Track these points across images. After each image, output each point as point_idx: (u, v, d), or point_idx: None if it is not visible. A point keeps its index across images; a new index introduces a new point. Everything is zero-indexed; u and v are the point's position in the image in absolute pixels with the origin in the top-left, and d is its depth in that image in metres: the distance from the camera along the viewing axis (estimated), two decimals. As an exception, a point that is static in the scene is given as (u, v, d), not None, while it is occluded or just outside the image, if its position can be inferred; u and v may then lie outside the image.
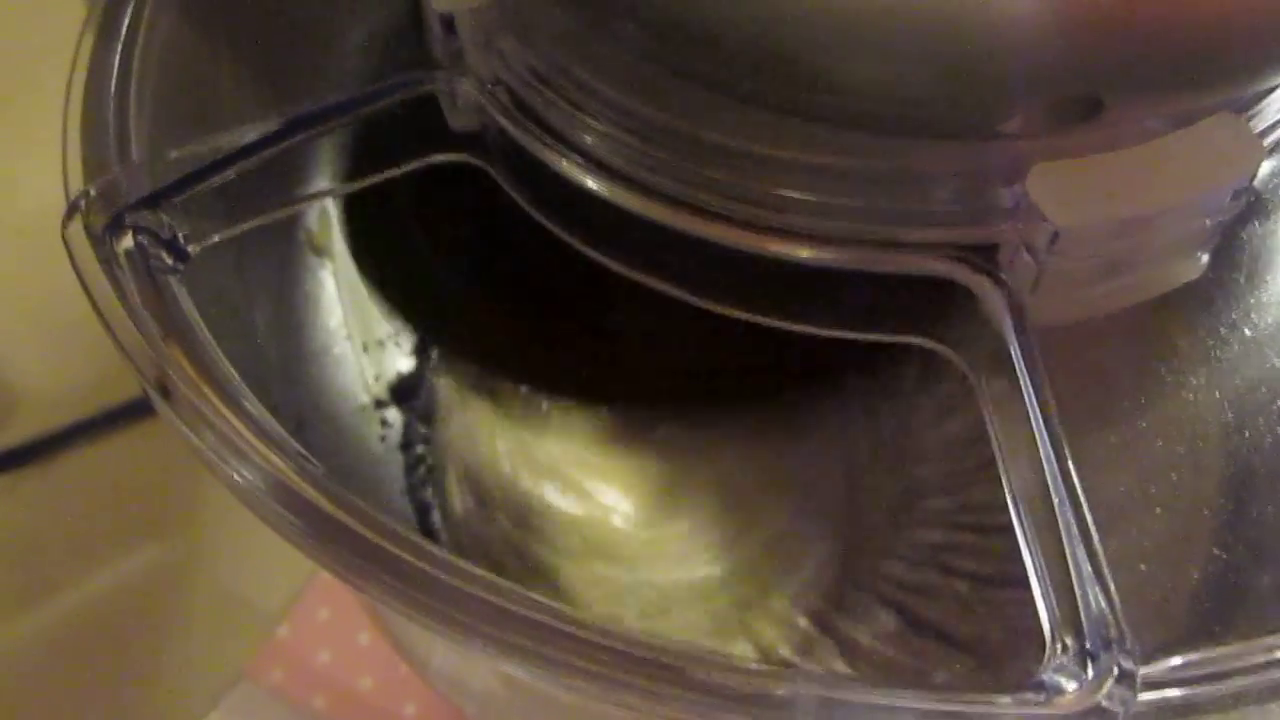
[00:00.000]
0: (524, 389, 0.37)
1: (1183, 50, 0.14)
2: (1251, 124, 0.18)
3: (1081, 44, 0.14)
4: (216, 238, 0.22)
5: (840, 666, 0.29)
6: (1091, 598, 0.14)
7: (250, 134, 0.21)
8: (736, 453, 0.35)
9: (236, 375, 0.19)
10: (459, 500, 0.35)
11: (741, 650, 0.32)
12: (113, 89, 0.23)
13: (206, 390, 0.18)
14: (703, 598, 0.33)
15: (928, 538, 0.31)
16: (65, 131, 0.22)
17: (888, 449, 0.32)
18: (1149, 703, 0.14)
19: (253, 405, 0.19)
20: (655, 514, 0.35)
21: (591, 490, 0.36)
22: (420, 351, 0.37)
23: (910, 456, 0.31)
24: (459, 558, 0.31)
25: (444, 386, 0.37)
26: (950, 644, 0.27)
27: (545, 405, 0.37)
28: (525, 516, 0.35)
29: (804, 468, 0.34)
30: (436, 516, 0.35)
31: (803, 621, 0.31)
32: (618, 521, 0.35)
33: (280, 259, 0.31)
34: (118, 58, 0.23)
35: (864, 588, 0.30)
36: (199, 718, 0.37)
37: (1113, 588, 0.14)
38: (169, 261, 0.21)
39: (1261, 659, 0.14)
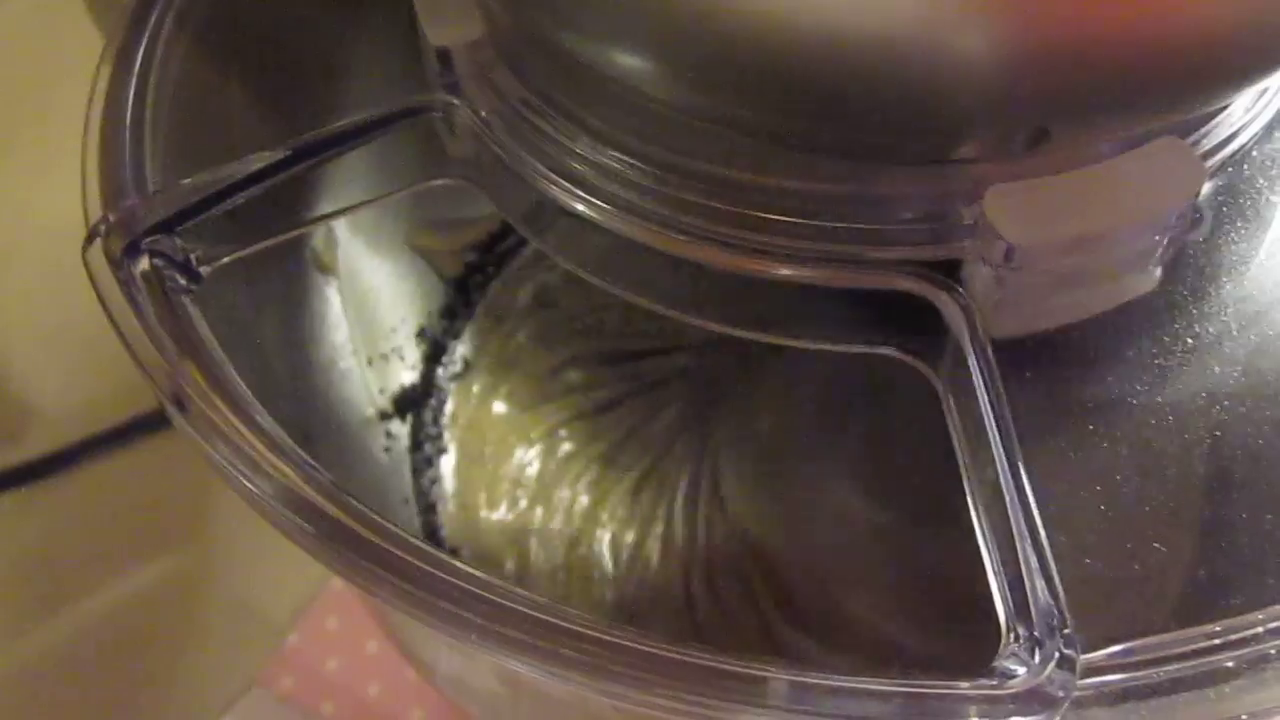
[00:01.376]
0: (529, 403, 0.38)
1: (1118, 88, 0.15)
2: (1199, 145, 0.20)
3: (1026, 82, 0.15)
4: (227, 259, 0.22)
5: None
6: (1039, 590, 0.15)
7: (258, 162, 0.22)
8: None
9: (248, 389, 0.20)
10: (461, 507, 0.36)
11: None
12: (128, 120, 0.23)
13: (219, 404, 0.19)
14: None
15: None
16: (84, 161, 0.23)
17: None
18: (1091, 685, 0.15)
19: (263, 418, 0.20)
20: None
21: (587, 501, 0.36)
22: (424, 365, 0.38)
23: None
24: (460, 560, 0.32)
25: (449, 398, 0.38)
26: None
27: (550, 418, 0.38)
28: (526, 523, 0.36)
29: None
30: (440, 522, 0.36)
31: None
32: (610, 535, 0.36)
33: (288, 278, 0.32)
34: (132, 91, 0.24)
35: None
36: (211, 723, 0.38)
37: (1057, 581, 0.15)
38: (183, 282, 0.22)
39: (1196, 647, 0.15)
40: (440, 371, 0.39)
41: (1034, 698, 0.14)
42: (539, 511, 0.36)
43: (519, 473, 0.37)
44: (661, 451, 0.36)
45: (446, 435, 0.38)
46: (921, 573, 0.31)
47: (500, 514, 0.36)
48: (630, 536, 0.35)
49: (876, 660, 0.30)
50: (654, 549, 0.35)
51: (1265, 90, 0.21)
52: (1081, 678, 0.15)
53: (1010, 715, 0.15)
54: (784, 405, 0.32)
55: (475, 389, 0.39)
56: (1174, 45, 0.14)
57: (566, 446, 0.37)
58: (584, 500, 0.36)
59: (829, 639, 0.31)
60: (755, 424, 0.34)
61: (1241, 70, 0.15)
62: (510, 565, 0.35)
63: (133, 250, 0.21)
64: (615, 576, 0.35)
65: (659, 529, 0.35)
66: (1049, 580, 0.15)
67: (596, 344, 0.39)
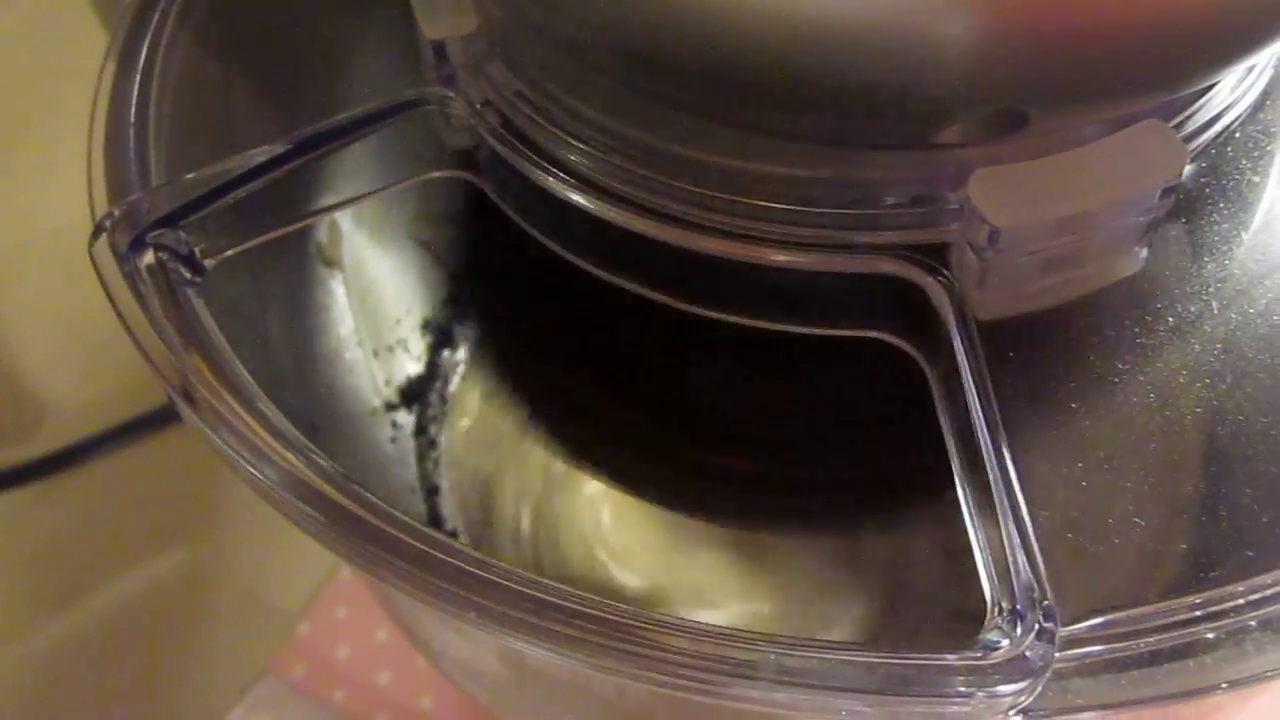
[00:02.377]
0: (532, 393, 0.39)
1: (1095, 72, 0.15)
2: (1183, 127, 0.20)
3: (1003, 66, 0.15)
4: (231, 252, 0.23)
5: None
6: (1021, 565, 0.16)
7: (260, 156, 0.22)
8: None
9: (253, 380, 0.21)
10: (465, 497, 0.37)
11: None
12: (132, 116, 0.24)
13: (226, 395, 0.20)
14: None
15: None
16: (90, 157, 0.23)
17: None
18: (1072, 657, 0.15)
19: (268, 408, 0.20)
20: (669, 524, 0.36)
21: (591, 491, 0.37)
22: (429, 356, 0.39)
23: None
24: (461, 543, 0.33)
25: (454, 389, 0.39)
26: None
27: (554, 409, 0.38)
28: (530, 511, 0.36)
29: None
30: (444, 510, 0.36)
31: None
32: (618, 520, 0.36)
33: (292, 270, 0.32)
34: (137, 87, 0.24)
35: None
36: (224, 712, 0.38)
37: (1038, 555, 0.16)
38: (187, 275, 0.22)
39: (1176, 619, 0.16)
40: (445, 362, 0.39)
41: (1014, 668, 0.15)
42: (544, 497, 0.36)
43: (524, 460, 0.37)
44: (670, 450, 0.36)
45: (451, 425, 0.38)
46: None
47: (505, 502, 0.36)
48: (635, 515, 0.36)
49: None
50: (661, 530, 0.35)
51: (1252, 69, 0.21)
52: (1063, 650, 0.15)
53: (993, 686, 0.15)
54: (775, 389, 0.33)
55: (480, 379, 0.39)
56: (1148, 32, 0.14)
57: (572, 434, 0.37)
58: (589, 487, 0.36)
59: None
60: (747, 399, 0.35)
61: (1213, 56, 0.16)
62: (513, 548, 0.35)
63: (137, 244, 0.21)
64: (618, 557, 0.35)
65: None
66: (1030, 555, 0.15)
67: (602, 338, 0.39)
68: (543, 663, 0.22)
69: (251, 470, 0.19)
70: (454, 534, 0.35)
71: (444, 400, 0.38)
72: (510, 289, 0.40)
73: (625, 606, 0.17)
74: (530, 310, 0.40)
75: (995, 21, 0.14)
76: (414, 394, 0.38)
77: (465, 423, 0.38)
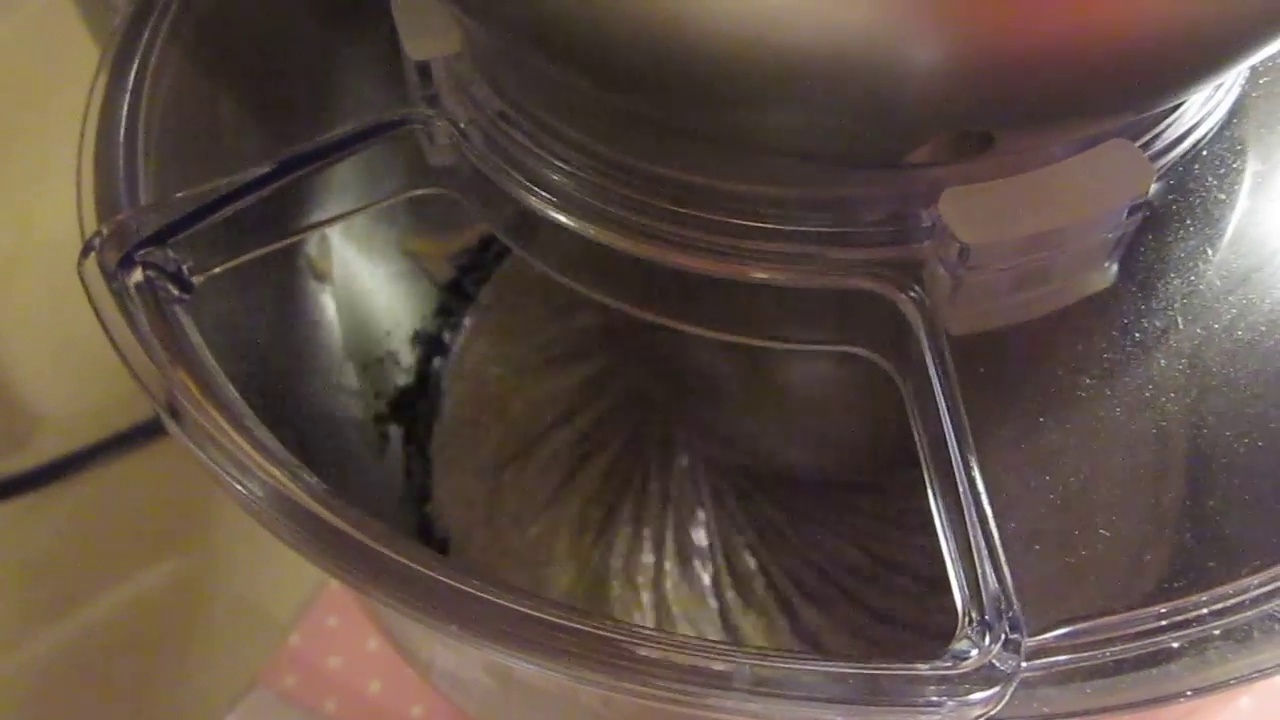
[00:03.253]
0: (522, 402, 0.39)
1: (1052, 100, 0.16)
2: (1151, 146, 0.20)
3: (965, 94, 0.15)
4: (219, 269, 0.23)
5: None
6: (989, 576, 0.16)
7: (248, 175, 0.23)
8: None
9: (240, 396, 0.21)
10: (455, 507, 0.37)
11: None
12: (121, 135, 0.24)
13: (212, 411, 0.20)
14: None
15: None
16: (79, 176, 0.24)
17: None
18: (1040, 666, 0.16)
19: (254, 424, 0.20)
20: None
21: (582, 500, 0.37)
22: (419, 368, 0.39)
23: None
24: (451, 559, 0.33)
25: (443, 400, 0.39)
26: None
27: (543, 419, 0.38)
28: (514, 521, 0.36)
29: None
30: (435, 522, 0.36)
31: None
32: (608, 530, 0.36)
33: (282, 284, 0.33)
34: (126, 105, 0.25)
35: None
36: (216, 722, 0.39)
37: (1005, 567, 0.16)
38: (175, 292, 0.22)
39: (1141, 628, 0.16)
40: (434, 374, 0.39)
41: (981, 677, 0.15)
42: (532, 510, 0.37)
43: (513, 472, 0.37)
44: (654, 456, 0.37)
45: (441, 436, 0.38)
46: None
47: (494, 513, 0.37)
48: (626, 530, 0.36)
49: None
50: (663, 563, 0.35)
51: (1219, 87, 0.22)
52: (1031, 659, 0.16)
53: (962, 695, 0.15)
54: (757, 399, 0.33)
55: (469, 390, 0.39)
56: (1104, 62, 0.15)
57: (560, 448, 0.38)
58: (577, 500, 0.37)
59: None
60: (729, 415, 0.35)
61: (1166, 85, 0.16)
62: (503, 561, 0.36)
63: (126, 263, 0.22)
64: (608, 571, 0.35)
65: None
66: (997, 567, 0.16)
67: (589, 346, 0.40)
68: (528, 674, 0.22)
69: (237, 486, 0.19)
70: (444, 543, 0.35)
71: (433, 411, 0.39)
72: (499, 299, 0.40)
73: (602, 619, 0.17)
74: (520, 320, 0.40)
75: (956, 52, 0.14)
76: (404, 405, 0.38)
77: (454, 433, 0.38)
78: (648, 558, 0.35)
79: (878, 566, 0.32)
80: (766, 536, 0.34)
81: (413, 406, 0.38)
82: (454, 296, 0.40)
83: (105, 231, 0.22)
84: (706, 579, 0.34)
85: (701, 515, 0.35)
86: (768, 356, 0.30)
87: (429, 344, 0.40)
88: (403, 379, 0.38)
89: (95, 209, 0.23)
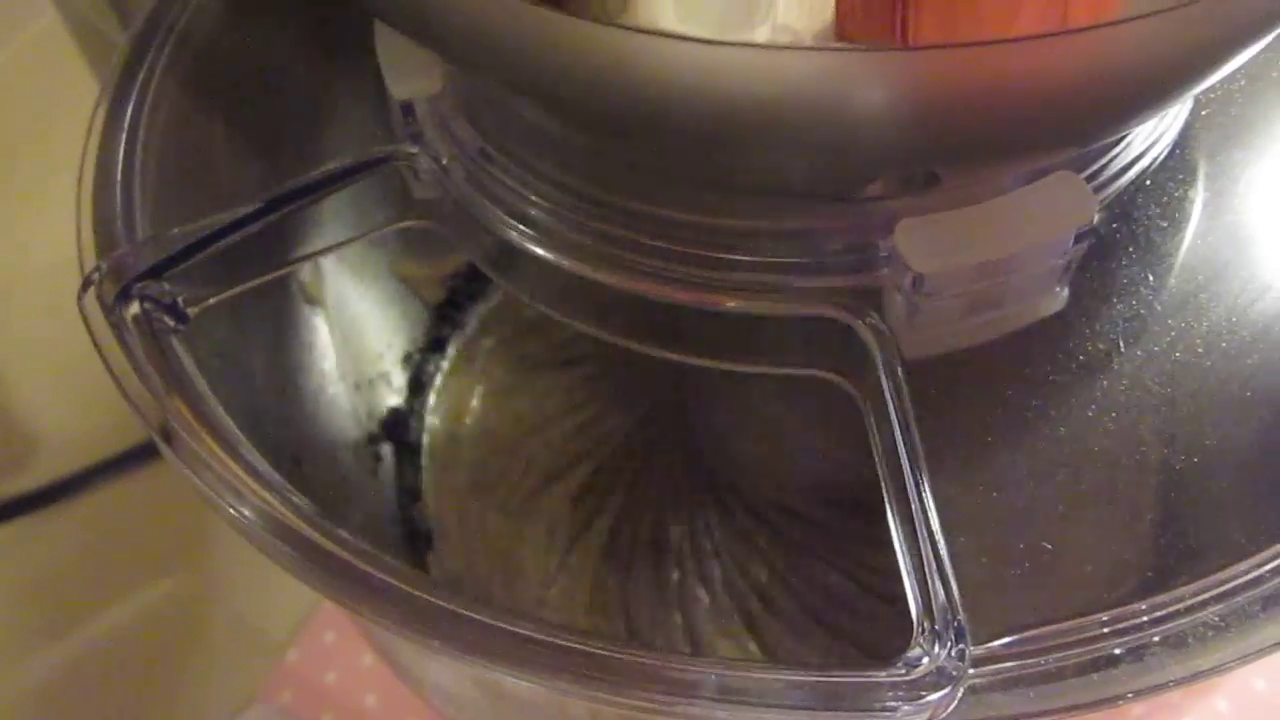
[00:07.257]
0: (513, 423, 0.40)
1: (989, 143, 0.17)
2: (1097, 177, 0.21)
3: (909, 138, 0.17)
4: (213, 300, 0.24)
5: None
6: (939, 588, 0.17)
7: (239, 211, 0.24)
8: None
9: (233, 422, 0.22)
10: (447, 525, 0.37)
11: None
12: (119, 172, 0.25)
13: (205, 436, 0.21)
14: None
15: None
16: (79, 211, 0.24)
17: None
18: (986, 672, 0.16)
19: (247, 449, 0.21)
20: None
21: (569, 518, 0.38)
22: (410, 389, 0.40)
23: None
24: (442, 578, 0.34)
25: (434, 420, 0.40)
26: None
27: (535, 439, 0.39)
28: (503, 539, 0.37)
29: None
30: (426, 539, 0.37)
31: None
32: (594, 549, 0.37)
33: (276, 310, 0.33)
34: (123, 142, 0.26)
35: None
36: (216, 738, 0.39)
37: (952, 579, 0.17)
38: (170, 323, 0.23)
39: (1083, 636, 0.17)
40: (425, 394, 0.40)
41: (931, 681, 0.16)
42: (520, 527, 0.37)
43: (503, 489, 0.38)
44: (636, 480, 0.37)
45: (432, 455, 0.39)
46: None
47: (485, 530, 0.37)
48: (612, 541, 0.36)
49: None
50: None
51: (1163, 118, 0.23)
52: (977, 665, 0.17)
53: (915, 699, 0.16)
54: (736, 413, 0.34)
55: (459, 409, 0.40)
56: (1022, 119, 0.16)
57: (548, 467, 0.38)
58: (565, 516, 0.37)
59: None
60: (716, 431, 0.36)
61: (1088, 130, 0.17)
62: (492, 579, 0.36)
63: (124, 296, 0.22)
64: (595, 583, 0.36)
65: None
66: (944, 579, 0.17)
67: (577, 368, 0.40)
68: (515, 688, 0.23)
69: (229, 509, 0.20)
70: (432, 545, 0.36)
71: (425, 431, 0.39)
72: (488, 323, 0.41)
73: (575, 632, 0.18)
74: (509, 343, 0.41)
75: (892, 109, 0.15)
76: (396, 425, 0.39)
77: (446, 452, 0.39)
78: (648, 573, 0.36)
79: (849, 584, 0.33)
80: (738, 545, 0.35)
81: (404, 426, 0.39)
82: (445, 317, 0.41)
83: (104, 267, 0.23)
84: (677, 584, 0.35)
85: (683, 523, 0.36)
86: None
87: (419, 365, 0.40)
88: (395, 399, 0.39)
89: (94, 243, 0.24)
